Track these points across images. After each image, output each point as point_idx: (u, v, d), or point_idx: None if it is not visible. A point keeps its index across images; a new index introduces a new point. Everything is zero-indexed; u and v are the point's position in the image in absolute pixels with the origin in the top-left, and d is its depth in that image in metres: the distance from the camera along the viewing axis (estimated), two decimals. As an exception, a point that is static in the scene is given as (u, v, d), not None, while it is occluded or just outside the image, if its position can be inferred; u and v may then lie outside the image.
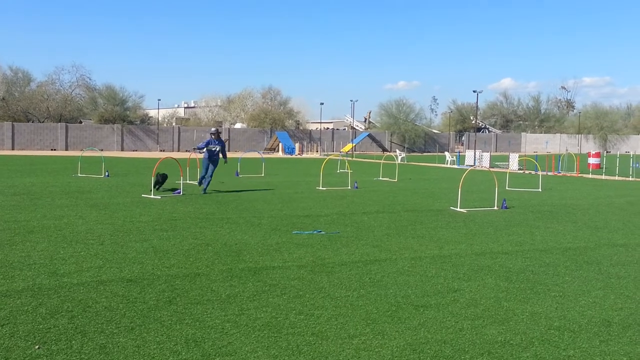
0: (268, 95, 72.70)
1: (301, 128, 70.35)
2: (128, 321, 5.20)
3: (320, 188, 18.36)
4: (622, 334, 5.16)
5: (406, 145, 66.27)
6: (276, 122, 64.14)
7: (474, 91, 56.07)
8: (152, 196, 14.73)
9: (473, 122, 73.23)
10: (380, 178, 23.52)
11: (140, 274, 6.89)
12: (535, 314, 5.66)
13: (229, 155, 20.88)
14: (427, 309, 5.76)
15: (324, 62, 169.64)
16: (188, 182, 18.68)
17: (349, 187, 18.77)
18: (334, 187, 18.73)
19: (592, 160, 34.52)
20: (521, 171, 30.11)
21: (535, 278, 7.10)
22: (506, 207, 13.84)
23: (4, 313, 5.36)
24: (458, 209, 13.37)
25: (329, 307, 5.73)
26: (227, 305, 5.71)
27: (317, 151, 58.30)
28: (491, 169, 25.21)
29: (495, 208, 13.82)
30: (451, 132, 73.60)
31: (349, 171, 22.07)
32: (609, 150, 70.13)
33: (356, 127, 74.68)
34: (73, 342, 4.68)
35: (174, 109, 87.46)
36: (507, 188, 19.26)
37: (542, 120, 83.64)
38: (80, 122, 61.21)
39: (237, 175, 23.36)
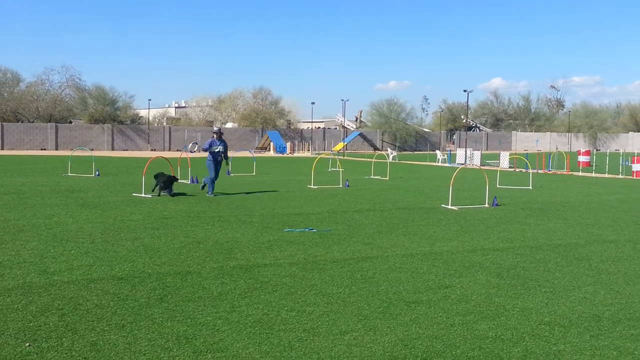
0: (259, 95, 72.58)
1: (292, 127, 70.32)
2: (119, 319, 5.18)
3: (312, 186, 18.36)
4: (612, 328, 5.19)
5: (397, 144, 66.42)
6: (267, 122, 64.09)
7: (465, 91, 56.39)
8: (143, 195, 14.68)
9: (464, 121, 73.55)
10: (372, 176, 23.56)
11: (131, 271, 6.86)
12: (526, 310, 5.68)
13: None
14: (419, 305, 5.77)
15: (315, 62, 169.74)
16: (181, 181, 18.59)
17: (341, 186, 18.79)
18: (326, 186, 18.74)
19: (582, 158, 34.75)
20: (512, 169, 30.25)
21: (526, 274, 7.14)
22: (497, 205, 13.89)
23: (-6, 311, 5.32)
24: (449, 207, 13.41)
25: (321, 304, 5.73)
26: (219, 303, 5.70)
27: (309, 150, 58.29)
28: (482, 167, 25.30)
29: (486, 205, 13.87)
30: (442, 131, 73.91)
31: (341, 170, 22.08)
32: (598, 149, 70.56)
33: (347, 127, 74.82)
34: (64, 339, 4.66)
35: (164, 109, 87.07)
36: (497, 186, 19.34)
37: (532, 119, 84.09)
38: (70, 122, 60.88)
39: (229, 174, 23.32)
